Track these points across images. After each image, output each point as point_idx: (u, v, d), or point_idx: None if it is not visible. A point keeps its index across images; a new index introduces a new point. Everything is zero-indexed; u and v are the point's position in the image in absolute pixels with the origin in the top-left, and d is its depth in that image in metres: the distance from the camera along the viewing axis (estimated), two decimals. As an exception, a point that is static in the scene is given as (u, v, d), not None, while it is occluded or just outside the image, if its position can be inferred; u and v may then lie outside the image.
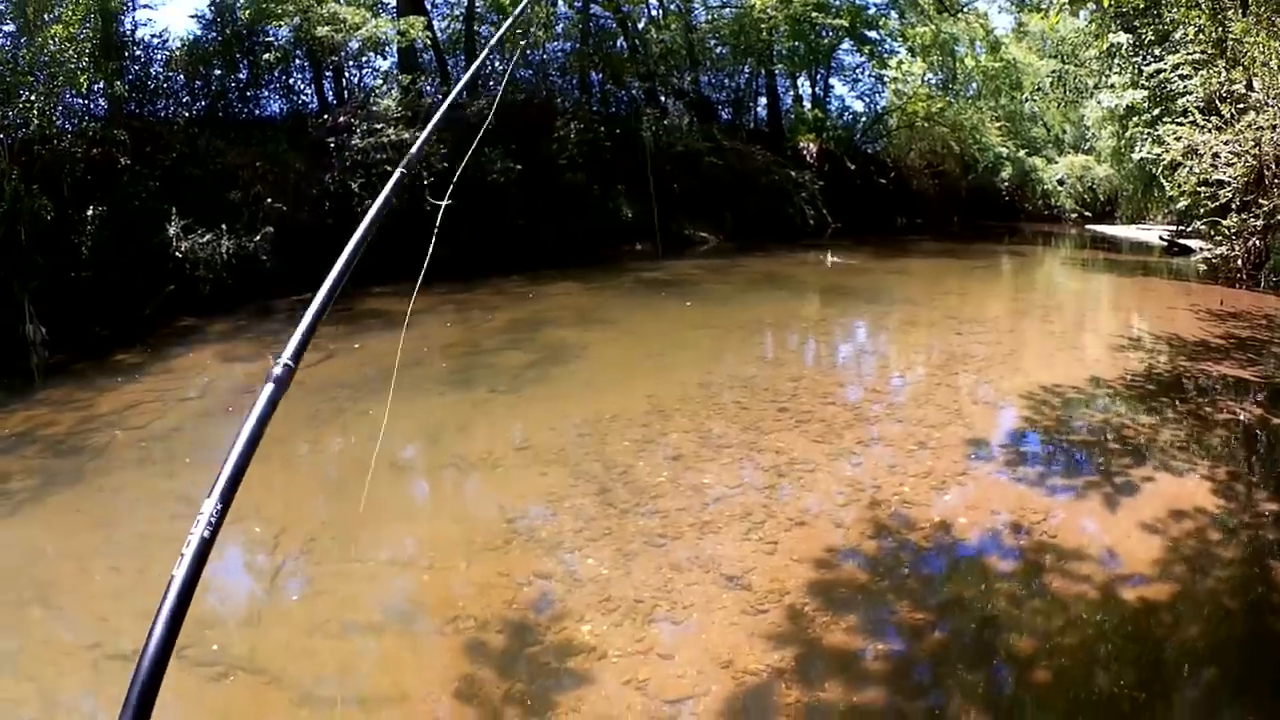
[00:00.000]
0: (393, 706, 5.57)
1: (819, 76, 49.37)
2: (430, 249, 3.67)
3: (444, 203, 3.60)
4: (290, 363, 2.24)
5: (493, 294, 20.01)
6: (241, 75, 27.38)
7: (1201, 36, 22.00)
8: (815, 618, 6.28)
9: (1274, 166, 20.19)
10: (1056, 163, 52.35)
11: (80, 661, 6.10)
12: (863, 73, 49.54)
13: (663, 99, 38.63)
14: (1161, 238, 33.90)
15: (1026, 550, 7.34)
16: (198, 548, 1.79)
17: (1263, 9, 19.01)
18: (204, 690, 5.69)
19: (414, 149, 3.34)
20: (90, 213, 17.97)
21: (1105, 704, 5.43)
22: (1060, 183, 51.30)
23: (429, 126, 3.62)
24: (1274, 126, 19.79)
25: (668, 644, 6.00)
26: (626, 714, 5.30)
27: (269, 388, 2.19)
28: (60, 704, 5.84)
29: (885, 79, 46.09)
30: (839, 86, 52.01)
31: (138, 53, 24.63)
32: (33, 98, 18.03)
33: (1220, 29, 20.92)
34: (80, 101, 21.06)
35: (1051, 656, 5.88)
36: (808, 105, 48.77)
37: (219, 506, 1.86)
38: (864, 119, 50.07)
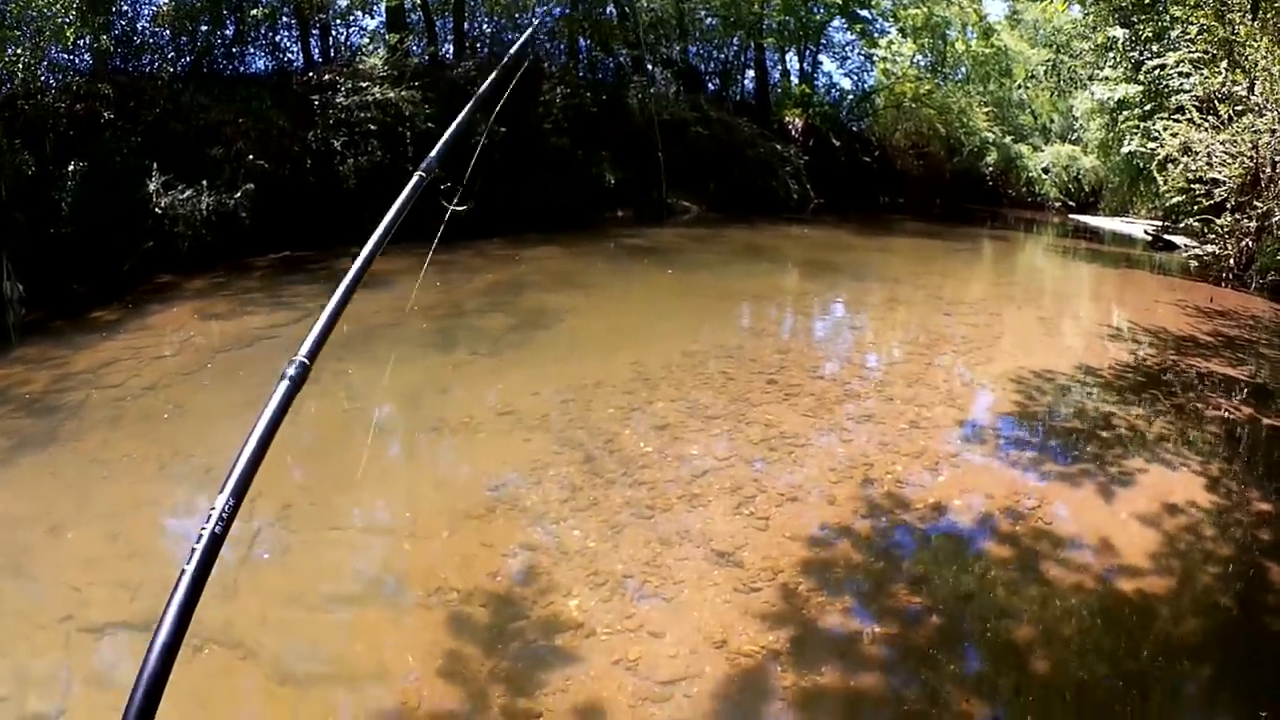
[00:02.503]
0: (374, 684, 5.39)
1: (808, 52, 48.98)
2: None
3: (465, 208, 3.75)
4: (306, 360, 2.24)
5: (474, 256, 19.68)
6: (228, 31, 26.71)
7: (1204, 36, 21.81)
8: (810, 598, 6.14)
9: (1269, 170, 20.10)
10: (1042, 151, 52.14)
11: (53, 635, 5.85)
12: (852, 51, 49.33)
13: (650, 67, 38.37)
14: (1146, 232, 33.92)
15: (1022, 537, 7.21)
16: (208, 543, 1.77)
17: (1269, 15, 18.84)
18: (178, 664, 5.45)
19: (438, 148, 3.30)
20: (71, 169, 17.60)
21: (1103, 695, 5.32)
22: (1045, 171, 51.11)
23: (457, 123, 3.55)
24: (1273, 131, 19.70)
25: (658, 622, 5.84)
26: (617, 695, 5.14)
27: (283, 385, 2.19)
28: (33, 680, 5.57)
29: (874, 58, 45.94)
30: (828, 63, 51.91)
31: (124, 7, 24.24)
32: (19, 52, 17.70)
33: (1227, 29, 20.74)
34: (65, 56, 20.67)
35: (1050, 646, 5.77)
36: (795, 80, 48.37)
37: (231, 502, 1.83)
38: (851, 97, 49.92)
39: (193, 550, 1.74)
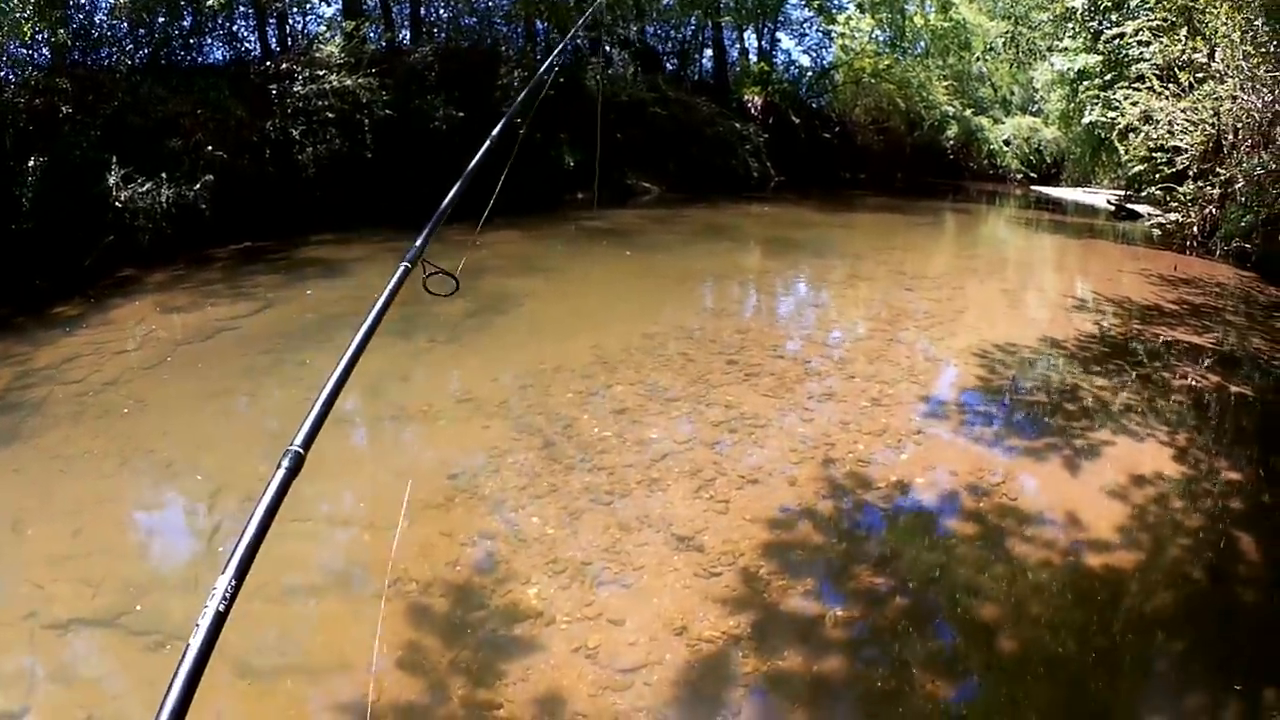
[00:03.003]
0: (335, 676, 5.33)
1: (766, 30, 48.93)
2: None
3: (445, 293, 3.54)
4: (300, 450, 2.31)
5: (433, 242, 19.41)
6: (185, 22, 26.52)
7: (1164, 4, 21.82)
8: (771, 581, 6.08)
9: (1232, 137, 20.14)
10: (1003, 123, 52.36)
11: (17, 632, 5.78)
12: (810, 27, 49.30)
13: (608, 49, 38.28)
14: (1109, 201, 34.12)
15: (987, 513, 7.16)
16: (212, 621, 1.81)
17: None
18: (141, 660, 5.47)
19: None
20: (31, 164, 17.47)
21: (1072, 674, 5.29)
22: (1006, 143, 51.26)
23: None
24: (1234, 98, 19.71)
25: (618, 608, 5.77)
26: (578, 684, 5.08)
27: (280, 473, 2.22)
28: (-1, 678, 5.51)
29: (833, 34, 45.97)
30: (786, 41, 51.95)
31: (82, 0, 24.10)
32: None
33: (1185, -3, 20.79)
34: (23, 51, 20.49)
35: (1017, 625, 5.72)
36: (754, 58, 48.35)
37: (233, 582, 1.89)
38: (810, 74, 49.83)
39: (197, 626, 1.77)
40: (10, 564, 6.79)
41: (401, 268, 3.14)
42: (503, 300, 14.67)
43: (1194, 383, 10.90)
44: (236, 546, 1.95)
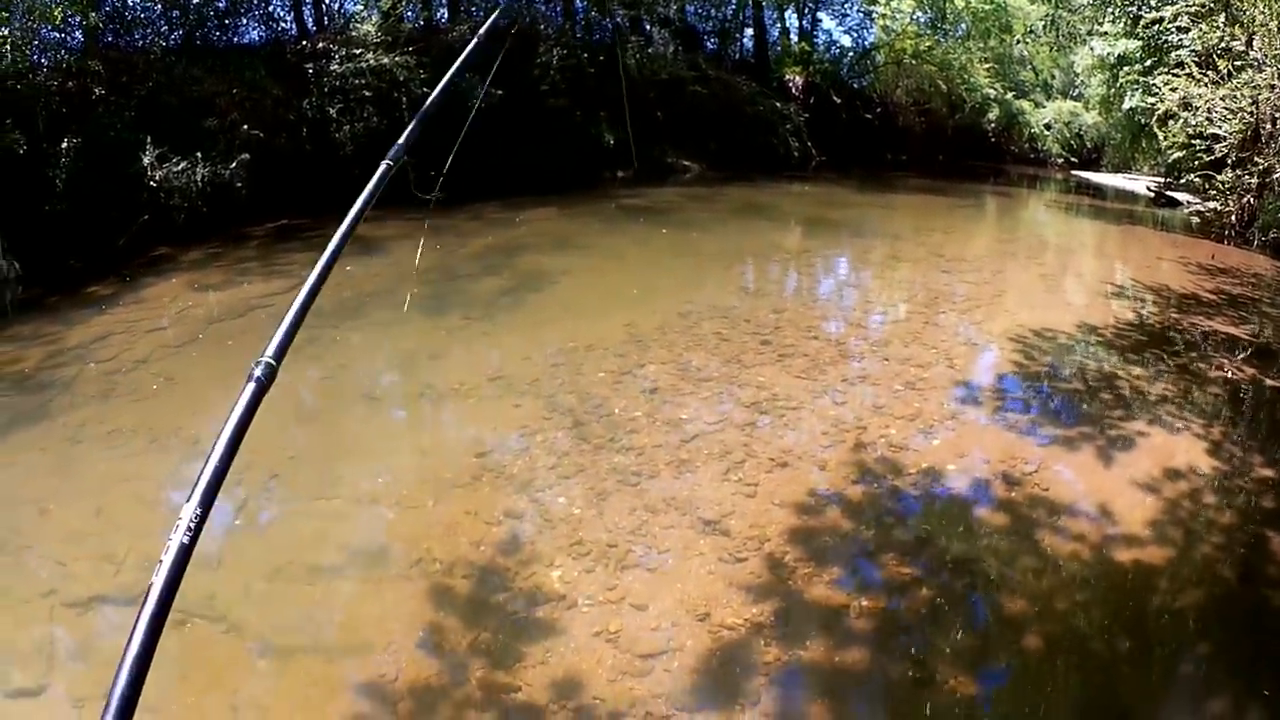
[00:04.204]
0: (355, 657, 5.32)
1: (806, 10, 48.61)
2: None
3: (433, 195, 3.67)
4: (272, 360, 2.14)
5: (470, 220, 19.54)
6: (220, 3, 26.69)
7: (1203, -11, 21.57)
8: (797, 568, 6.02)
9: (1270, 126, 19.88)
10: (1044, 107, 51.90)
11: (37, 610, 5.80)
12: (851, 8, 48.85)
13: (648, 27, 38.15)
14: (1149, 188, 33.80)
15: (1018, 503, 7.07)
16: (177, 554, 1.69)
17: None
18: (161, 639, 5.38)
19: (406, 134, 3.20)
20: (65, 145, 17.52)
21: (1097, 672, 5.21)
22: (1047, 127, 50.83)
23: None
24: (1272, 87, 19.46)
25: (641, 593, 5.74)
26: (597, 668, 5.05)
27: (250, 388, 2.10)
28: (16, 655, 5.49)
29: (873, 15, 45.61)
30: (826, 20, 51.71)
31: (115, -16, 24.15)
32: (6, 34, 17.58)
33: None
34: (56, 35, 20.55)
35: (1043, 620, 5.64)
36: (794, 38, 48.12)
37: (199, 511, 1.77)
38: (851, 54, 49.35)
39: (160, 562, 1.65)
40: (34, 542, 6.81)
41: (383, 166, 3.03)
42: (537, 278, 14.65)
43: (1230, 375, 10.76)
44: (202, 472, 1.88)
